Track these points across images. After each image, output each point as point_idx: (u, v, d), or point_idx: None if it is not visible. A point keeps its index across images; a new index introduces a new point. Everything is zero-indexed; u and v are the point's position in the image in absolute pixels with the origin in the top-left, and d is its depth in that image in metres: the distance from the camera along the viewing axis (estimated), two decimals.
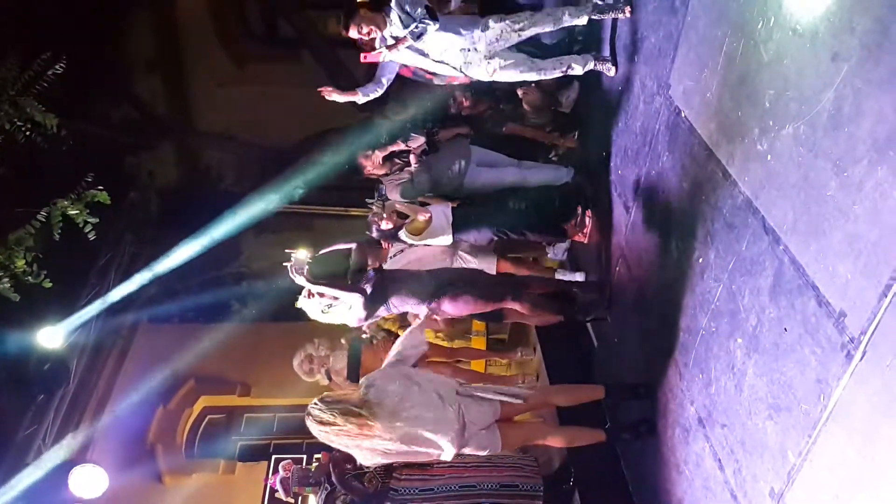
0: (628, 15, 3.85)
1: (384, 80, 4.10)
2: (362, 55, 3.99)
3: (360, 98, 4.10)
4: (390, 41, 3.89)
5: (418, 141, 4.82)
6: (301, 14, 7.83)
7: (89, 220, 4.61)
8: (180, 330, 7.32)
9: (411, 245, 4.58)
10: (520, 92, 4.81)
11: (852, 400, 2.15)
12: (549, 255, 5.01)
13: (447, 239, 4.47)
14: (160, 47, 7.79)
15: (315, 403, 3.10)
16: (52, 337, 5.24)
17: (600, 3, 3.88)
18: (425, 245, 4.57)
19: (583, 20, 3.93)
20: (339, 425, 3.02)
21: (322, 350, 4.73)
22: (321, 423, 3.04)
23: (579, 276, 4.76)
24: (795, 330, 2.39)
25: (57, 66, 4.54)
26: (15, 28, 5.53)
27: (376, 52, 3.92)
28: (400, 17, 3.81)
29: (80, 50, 5.33)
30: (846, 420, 2.18)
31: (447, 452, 3.21)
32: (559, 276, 4.88)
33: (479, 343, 5.87)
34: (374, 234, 4.71)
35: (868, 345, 2.07)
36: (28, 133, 4.52)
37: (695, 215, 3.13)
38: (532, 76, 4.09)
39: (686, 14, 3.22)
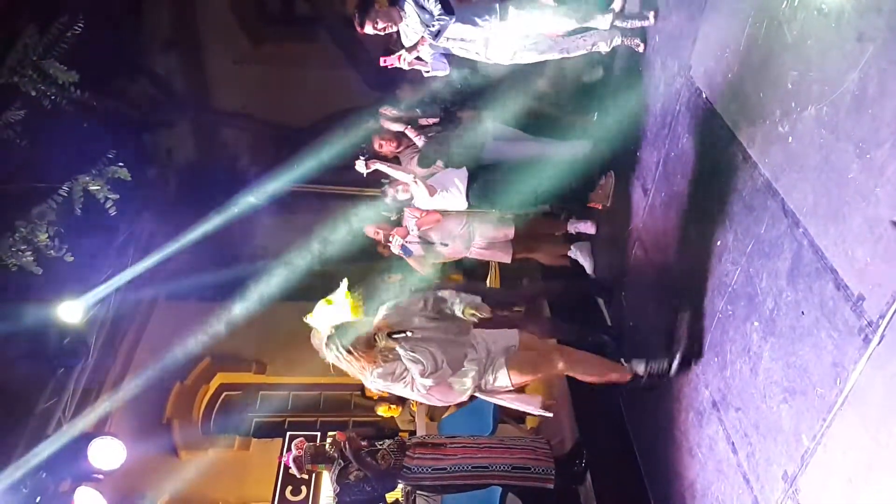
0: (653, 22, 3.76)
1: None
2: (381, 59, 3.96)
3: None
4: (408, 34, 3.85)
5: (433, 118, 4.82)
6: None
7: (110, 196, 4.67)
8: (197, 307, 7.40)
9: (426, 211, 4.63)
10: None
11: (868, 384, 2.14)
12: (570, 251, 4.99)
13: (460, 200, 4.48)
14: (177, 25, 7.77)
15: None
16: (72, 311, 5.32)
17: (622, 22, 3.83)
18: (439, 214, 4.61)
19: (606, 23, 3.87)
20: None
21: None
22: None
23: (588, 266, 4.79)
24: (812, 313, 2.38)
25: (75, 27, 4.55)
26: (31, 4, 5.56)
27: (395, 55, 3.90)
28: (417, 14, 3.75)
29: (98, 27, 5.34)
30: (861, 404, 2.18)
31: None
32: (572, 254, 4.91)
33: None
34: (388, 201, 4.74)
35: (886, 329, 2.05)
36: (53, 97, 4.54)
37: (714, 197, 3.10)
38: (554, 56, 4.03)
39: None
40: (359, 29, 3.92)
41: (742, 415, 2.87)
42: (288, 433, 7.47)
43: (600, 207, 4.53)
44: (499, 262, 5.44)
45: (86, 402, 6.04)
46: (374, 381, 3.26)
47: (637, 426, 4.13)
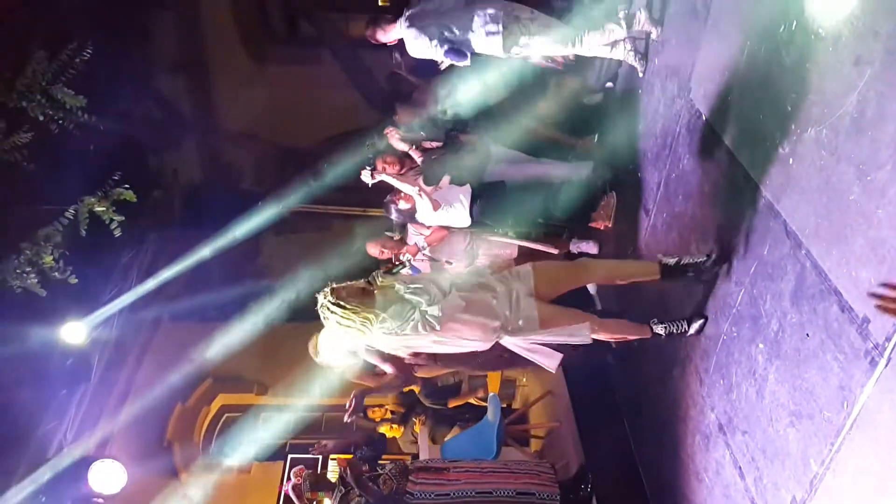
0: (655, 34, 3.78)
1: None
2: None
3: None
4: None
5: (437, 141, 4.86)
6: (323, 16, 7.90)
7: (115, 217, 4.71)
8: (199, 328, 7.39)
9: (429, 226, 4.64)
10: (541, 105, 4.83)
11: (877, 408, 2.12)
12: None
13: (464, 217, 4.50)
14: (184, 47, 7.88)
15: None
16: (75, 332, 5.31)
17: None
18: (444, 230, 4.63)
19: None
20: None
21: None
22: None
23: (591, 286, 4.79)
24: (818, 335, 2.36)
25: (84, 53, 4.62)
26: (41, 29, 5.64)
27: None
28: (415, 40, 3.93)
29: (105, 50, 5.42)
30: (870, 428, 2.15)
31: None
32: None
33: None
34: (393, 216, 4.75)
35: (893, 352, 2.04)
36: (60, 121, 4.60)
37: (715, 218, 3.10)
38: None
39: (707, 17, 3.20)
40: (372, 38, 4.15)
41: (749, 438, 2.84)
42: (289, 456, 7.41)
43: (602, 227, 4.54)
44: None
45: (87, 425, 6.00)
46: (380, 335, 2.88)
47: (643, 450, 4.08)
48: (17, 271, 4.39)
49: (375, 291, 2.89)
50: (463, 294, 2.96)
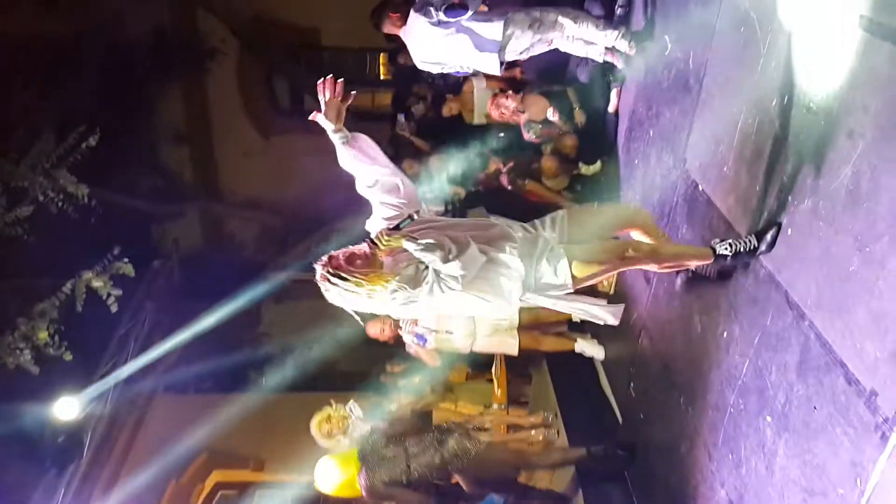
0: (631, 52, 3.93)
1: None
2: None
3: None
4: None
5: (438, 207, 4.91)
6: None
7: (113, 292, 4.70)
8: (196, 400, 7.25)
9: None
10: (544, 160, 4.92)
11: (891, 485, 2.04)
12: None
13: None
14: (189, 119, 8.08)
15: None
16: (68, 408, 5.20)
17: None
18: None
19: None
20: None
21: (341, 410, 4.64)
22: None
23: (598, 354, 4.74)
24: (825, 408, 2.31)
25: (90, 140, 4.72)
26: (50, 101, 5.79)
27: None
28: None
29: (112, 121, 5.55)
30: None
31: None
32: (578, 348, 4.84)
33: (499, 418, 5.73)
34: None
35: None
36: (60, 204, 4.66)
37: (717, 288, 3.09)
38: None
39: (700, 91, 3.29)
40: (378, 28, 4.14)
41: None
42: None
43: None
44: (504, 355, 5.35)
45: None
46: (394, 304, 2.50)
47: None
48: (11, 347, 4.35)
49: (380, 252, 2.48)
50: (482, 244, 2.55)
